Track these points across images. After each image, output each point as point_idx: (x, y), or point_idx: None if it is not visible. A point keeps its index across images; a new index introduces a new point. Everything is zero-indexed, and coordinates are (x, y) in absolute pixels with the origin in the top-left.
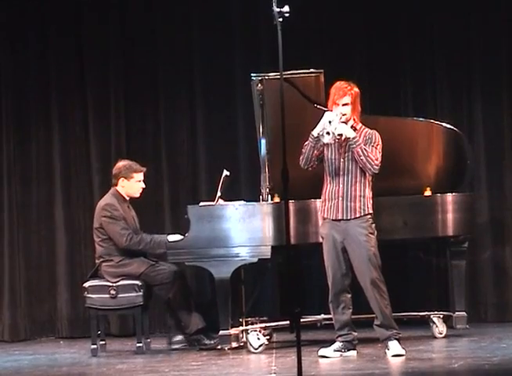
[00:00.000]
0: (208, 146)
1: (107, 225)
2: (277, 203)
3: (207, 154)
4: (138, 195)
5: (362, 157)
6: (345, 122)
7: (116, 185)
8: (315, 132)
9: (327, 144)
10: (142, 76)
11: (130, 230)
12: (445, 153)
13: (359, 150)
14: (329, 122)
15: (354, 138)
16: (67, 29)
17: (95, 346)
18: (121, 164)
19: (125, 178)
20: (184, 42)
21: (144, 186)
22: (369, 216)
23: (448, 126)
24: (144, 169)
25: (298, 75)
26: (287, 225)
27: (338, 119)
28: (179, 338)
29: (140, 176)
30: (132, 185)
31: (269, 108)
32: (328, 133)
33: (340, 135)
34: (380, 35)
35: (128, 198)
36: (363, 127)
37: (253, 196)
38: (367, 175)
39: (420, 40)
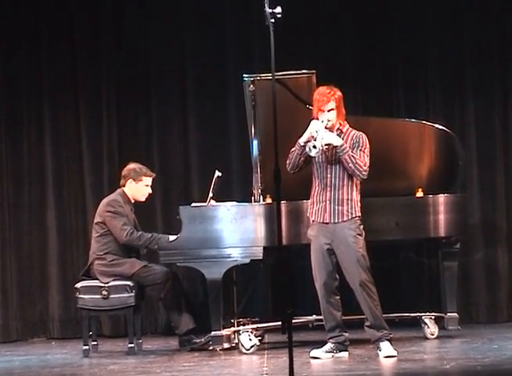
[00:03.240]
0: (200, 147)
1: (110, 221)
2: (269, 204)
3: (199, 155)
4: (143, 199)
5: (351, 165)
6: (332, 127)
7: (123, 185)
8: (301, 140)
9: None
10: (134, 76)
11: (131, 226)
12: (437, 154)
13: (347, 157)
14: (316, 132)
15: (341, 146)
16: (60, 30)
17: (86, 347)
18: (132, 166)
19: (134, 180)
20: (176, 43)
21: (151, 191)
22: (357, 218)
23: (440, 127)
24: (153, 175)
25: (290, 76)
26: (279, 226)
27: (324, 127)
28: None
29: (149, 181)
30: (140, 188)
31: (261, 109)
32: (314, 147)
33: (328, 144)
34: (372, 36)
35: (132, 201)
36: (350, 129)
37: (245, 197)
38: (355, 178)
39: (412, 41)
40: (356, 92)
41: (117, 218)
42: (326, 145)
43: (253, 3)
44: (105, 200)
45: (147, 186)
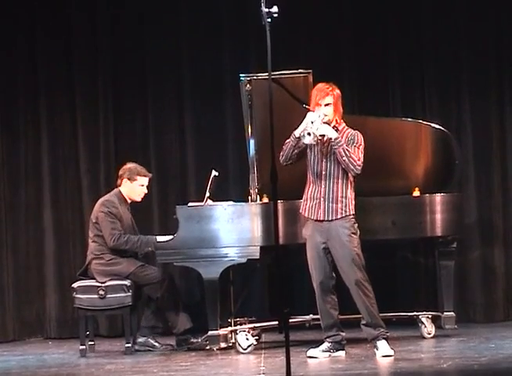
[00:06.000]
0: (197, 147)
1: (102, 221)
2: (266, 203)
3: (196, 154)
4: (139, 199)
5: (345, 158)
6: (328, 123)
7: (120, 185)
8: (297, 132)
9: (310, 144)
10: (131, 76)
11: (120, 231)
12: (434, 154)
13: (341, 150)
14: (312, 122)
15: (336, 138)
16: (56, 30)
17: (83, 347)
18: (128, 165)
19: (128, 179)
20: (172, 43)
21: (146, 191)
22: (352, 216)
23: (437, 126)
24: (150, 175)
25: (287, 75)
26: (276, 225)
27: (320, 120)
28: (142, 339)
29: (144, 181)
30: (134, 187)
31: (258, 108)
32: (309, 134)
33: (323, 135)
34: (368, 36)
35: (129, 201)
36: (346, 128)
37: (242, 196)
38: (349, 176)
39: (409, 40)
40: (352, 91)
41: (108, 221)
42: (320, 135)
43: (249, 2)
44: (100, 200)
45: (142, 185)
